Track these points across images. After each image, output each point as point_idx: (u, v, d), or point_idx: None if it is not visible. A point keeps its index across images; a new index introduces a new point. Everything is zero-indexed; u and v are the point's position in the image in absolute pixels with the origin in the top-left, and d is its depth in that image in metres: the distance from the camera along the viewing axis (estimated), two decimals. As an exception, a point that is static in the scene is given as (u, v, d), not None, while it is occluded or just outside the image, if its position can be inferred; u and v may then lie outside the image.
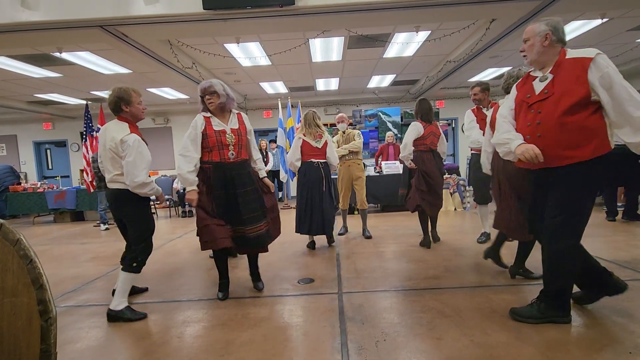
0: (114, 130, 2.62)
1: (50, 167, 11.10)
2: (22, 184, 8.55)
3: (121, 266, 2.67)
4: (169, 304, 2.82)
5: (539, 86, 2.10)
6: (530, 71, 2.23)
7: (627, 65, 8.10)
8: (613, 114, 1.93)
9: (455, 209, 7.00)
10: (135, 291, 3.03)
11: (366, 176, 6.79)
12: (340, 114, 5.05)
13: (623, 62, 7.98)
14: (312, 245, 4.31)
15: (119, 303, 2.59)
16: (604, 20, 5.27)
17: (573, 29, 5.77)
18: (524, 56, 2.18)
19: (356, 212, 6.94)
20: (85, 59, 5.98)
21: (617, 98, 1.90)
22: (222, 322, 2.43)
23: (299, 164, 4.16)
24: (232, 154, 2.76)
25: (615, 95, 1.90)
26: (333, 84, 9.12)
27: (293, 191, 10.48)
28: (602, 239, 4.08)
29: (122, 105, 2.64)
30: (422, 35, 5.82)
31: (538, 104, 2.07)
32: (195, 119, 2.78)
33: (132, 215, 2.70)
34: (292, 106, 8.29)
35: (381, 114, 9.60)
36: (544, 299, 2.18)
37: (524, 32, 2.17)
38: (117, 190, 2.66)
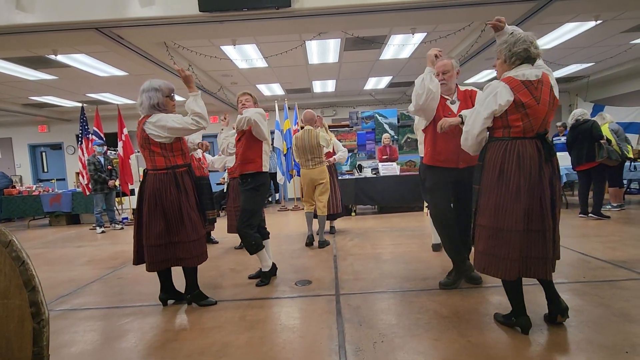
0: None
1: (45, 170, 11.04)
2: (16, 187, 8.48)
3: None
4: (166, 307, 2.80)
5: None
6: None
7: (622, 67, 8.15)
8: None
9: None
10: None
11: (363, 178, 6.83)
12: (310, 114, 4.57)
13: (618, 63, 8.04)
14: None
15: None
16: (598, 22, 5.32)
17: (567, 31, 5.80)
18: (444, 84, 2.81)
19: (353, 214, 6.94)
20: (80, 61, 5.97)
21: None
22: (219, 325, 2.41)
23: None
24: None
25: None
26: (330, 85, 9.15)
27: (290, 193, 10.47)
28: (597, 239, 4.09)
29: None
30: (418, 37, 5.85)
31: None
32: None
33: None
34: (288, 108, 8.31)
35: (378, 116, 9.60)
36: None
37: (444, 65, 2.83)
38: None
